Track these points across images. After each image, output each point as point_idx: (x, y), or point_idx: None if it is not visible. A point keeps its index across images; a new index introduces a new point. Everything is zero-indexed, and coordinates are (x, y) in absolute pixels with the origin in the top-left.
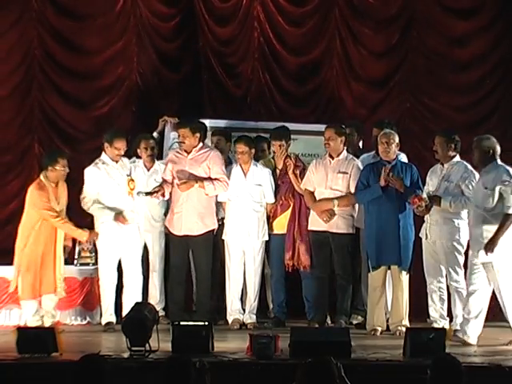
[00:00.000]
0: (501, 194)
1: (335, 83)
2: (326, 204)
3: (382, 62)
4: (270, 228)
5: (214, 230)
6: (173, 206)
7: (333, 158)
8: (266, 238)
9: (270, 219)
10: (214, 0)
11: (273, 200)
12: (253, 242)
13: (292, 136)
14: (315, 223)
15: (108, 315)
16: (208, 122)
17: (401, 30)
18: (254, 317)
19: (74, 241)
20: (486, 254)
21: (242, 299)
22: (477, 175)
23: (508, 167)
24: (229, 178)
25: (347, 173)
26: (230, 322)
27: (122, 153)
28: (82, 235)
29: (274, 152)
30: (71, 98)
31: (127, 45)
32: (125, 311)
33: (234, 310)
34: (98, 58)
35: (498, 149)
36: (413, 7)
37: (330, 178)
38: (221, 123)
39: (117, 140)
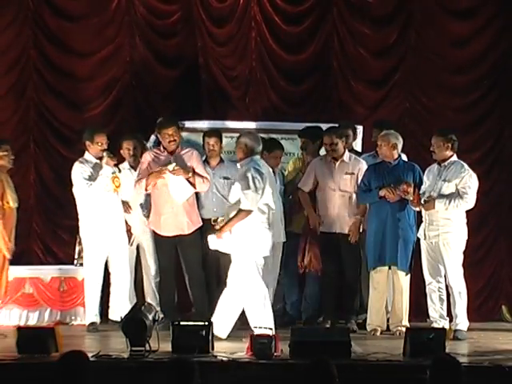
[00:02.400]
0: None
1: (333, 83)
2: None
3: (381, 62)
4: (288, 225)
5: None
6: (160, 207)
7: (336, 160)
8: (284, 239)
9: (287, 216)
10: (212, 0)
11: None
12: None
13: (291, 136)
14: (325, 226)
15: (92, 315)
16: (207, 124)
17: (399, 30)
18: None
19: (75, 241)
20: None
21: None
22: (474, 175)
23: (258, 165)
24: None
25: (354, 173)
26: None
27: (105, 147)
28: (5, 249)
29: (304, 149)
30: (65, 99)
31: (122, 43)
32: (112, 310)
33: None
34: (93, 58)
35: (256, 146)
36: (411, 6)
37: (338, 179)
38: (219, 124)
39: (97, 135)
